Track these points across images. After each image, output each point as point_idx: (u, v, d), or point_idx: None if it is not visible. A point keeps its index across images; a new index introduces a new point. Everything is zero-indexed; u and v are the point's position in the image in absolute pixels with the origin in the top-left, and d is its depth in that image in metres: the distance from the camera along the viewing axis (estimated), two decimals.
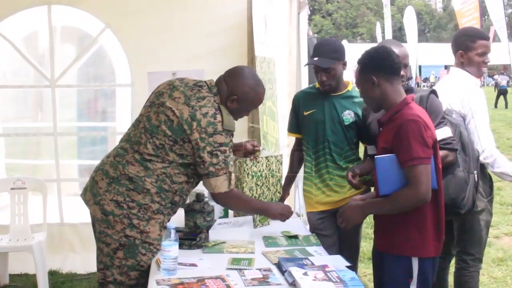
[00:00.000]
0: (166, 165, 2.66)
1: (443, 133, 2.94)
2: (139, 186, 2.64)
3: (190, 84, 2.76)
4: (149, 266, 2.63)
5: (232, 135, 2.73)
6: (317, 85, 3.50)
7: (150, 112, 2.73)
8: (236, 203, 2.86)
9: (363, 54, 2.68)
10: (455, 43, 3.43)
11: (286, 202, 3.64)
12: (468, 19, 8.02)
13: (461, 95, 3.26)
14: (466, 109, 3.23)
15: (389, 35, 19.68)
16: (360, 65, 2.65)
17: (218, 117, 2.64)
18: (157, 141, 2.65)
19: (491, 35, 17.12)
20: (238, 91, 2.76)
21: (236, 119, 2.84)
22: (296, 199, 4.61)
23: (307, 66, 5.95)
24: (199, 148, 2.61)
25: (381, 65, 2.59)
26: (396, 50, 3.02)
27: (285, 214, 2.99)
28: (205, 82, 2.79)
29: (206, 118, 2.62)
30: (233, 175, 2.71)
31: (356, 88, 3.04)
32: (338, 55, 3.31)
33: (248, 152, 3.16)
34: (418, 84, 35.11)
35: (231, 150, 2.71)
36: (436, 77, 43.53)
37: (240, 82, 2.78)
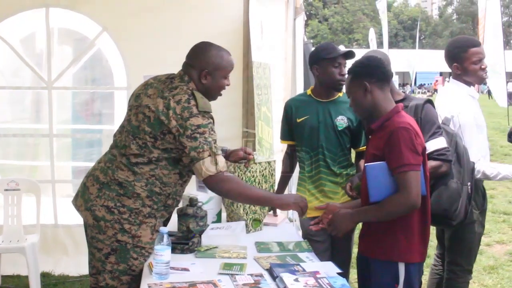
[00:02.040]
0: (153, 166, 2.66)
1: (437, 143, 2.95)
2: (129, 191, 2.65)
3: (163, 79, 2.78)
4: (140, 271, 2.64)
5: (212, 117, 2.69)
6: (308, 92, 3.53)
7: (130, 115, 2.75)
8: (231, 186, 2.65)
9: (354, 63, 2.71)
10: (448, 56, 3.41)
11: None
12: (480, 26, 8.12)
13: (453, 111, 3.24)
14: (456, 126, 3.21)
15: (386, 41, 19.67)
16: (352, 73, 2.69)
17: (192, 102, 2.62)
18: (139, 141, 2.66)
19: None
20: (205, 64, 2.75)
21: (219, 94, 2.84)
22: None
23: (302, 72, 5.98)
24: (180, 135, 2.58)
25: (374, 72, 2.63)
26: None
27: (299, 204, 2.72)
28: (177, 73, 2.81)
29: (180, 105, 2.61)
30: (220, 157, 2.63)
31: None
32: None
33: (242, 158, 3.15)
34: (413, 91, 35.27)
35: (212, 132, 2.64)
36: (430, 83, 43.69)
37: (202, 57, 2.78)
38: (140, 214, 2.67)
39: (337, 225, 2.69)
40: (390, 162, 2.50)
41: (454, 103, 3.28)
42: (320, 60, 3.38)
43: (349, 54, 3.37)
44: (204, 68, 2.74)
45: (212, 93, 2.81)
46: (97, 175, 2.74)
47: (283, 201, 2.78)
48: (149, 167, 2.66)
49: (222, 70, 2.80)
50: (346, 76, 3.34)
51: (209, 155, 2.58)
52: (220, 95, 2.89)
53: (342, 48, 3.74)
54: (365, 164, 2.60)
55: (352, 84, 2.68)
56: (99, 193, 2.68)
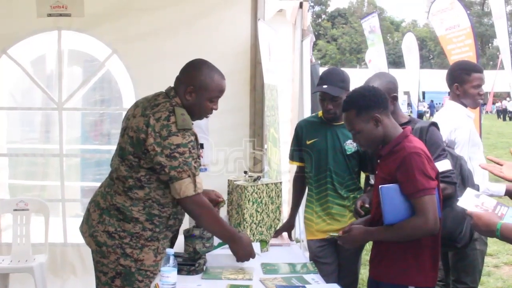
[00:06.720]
0: (147, 191, 2.65)
1: (442, 166, 2.96)
2: (127, 216, 2.66)
3: (150, 97, 2.76)
4: None
5: (194, 134, 2.65)
6: (319, 114, 3.54)
7: (120, 139, 2.76)
8: (203, 212, 2.66)
9: (353, 98, 2.64)
10: (450, 76, 3.57)
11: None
12: (457, 45, 7.73)
13: (450, 126, 3.39)
14: (452, 138, 3.38)
15: (382, 62, 19.15)
16: (357, 108, 2.59)
17: (172, 119, 2.57)
18: (127, 162, 2.66)
19: (499, 63, 17.16)
20: (192, 81, 2.71)
21: (204, 116, 2.80)
22: (296, 224, 4.63)
23: (309, 93, 6.00)
24: (156, 154, 2.54)
25: (379, 101, 2.60)
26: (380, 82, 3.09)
27: (242, 258, 2.76)
28: (166, 88, 2.78)
29: (159, 122, 2.57)
30: (198, 178, 2.62)
31: None
32: (346, 84, 3.37)
33: (212, 200, 2.99)
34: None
35: (192, 151, 2.61)
36: (440, 103, 43.57)
37: (193, 73, 2.74)
38: (141, 238, 2.67)
39: (351, 238, 2.69)
40: (404, 188, 2.48)
41: (452, 119, 3.44)
42: None
43: (327, 94, 3.32)
44: (191, 84, 2.70)
45: (195, 112, 2.76)
46: (98, 201, 2.76)
47: (240, 245, 2.72)
48: (143, 192, 2.65)
49: (209, 92, 2.73)
50: (333, 109, 3.32)
51: (188, 176, 2.57)
52: (207, 117, 2.84)
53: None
54: (380, 186, 2.54)
55: (359, 119, 2.60)
56: (99, 219, 2.70)
